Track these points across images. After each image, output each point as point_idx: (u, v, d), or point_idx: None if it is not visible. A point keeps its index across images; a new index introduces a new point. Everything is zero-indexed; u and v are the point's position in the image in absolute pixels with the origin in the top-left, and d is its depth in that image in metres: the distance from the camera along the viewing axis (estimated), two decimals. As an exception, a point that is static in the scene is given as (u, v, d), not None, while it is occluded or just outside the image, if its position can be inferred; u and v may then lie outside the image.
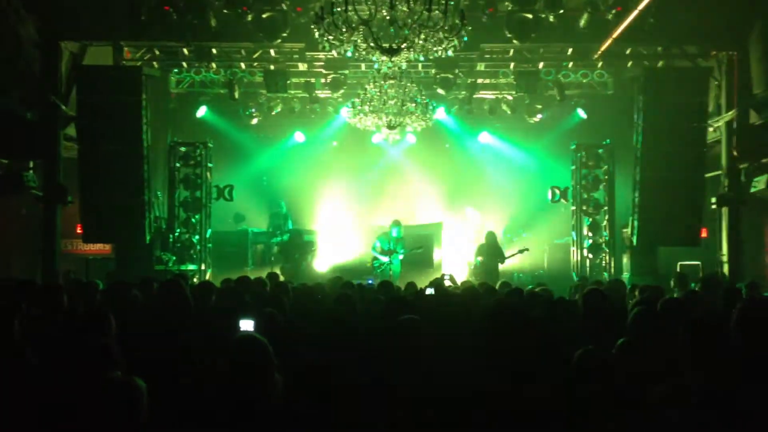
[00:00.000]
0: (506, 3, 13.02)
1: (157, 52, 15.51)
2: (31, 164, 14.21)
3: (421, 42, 8.91)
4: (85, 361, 4.15)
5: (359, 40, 8.94)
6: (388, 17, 8.71)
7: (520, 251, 16.27)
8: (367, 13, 8.82)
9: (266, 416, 3.94)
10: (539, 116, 18.51)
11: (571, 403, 4.14)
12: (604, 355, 4.60)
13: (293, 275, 16.07)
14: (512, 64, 15.78)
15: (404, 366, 4.47)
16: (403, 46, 8.88)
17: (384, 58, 9.33)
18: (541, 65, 15.73)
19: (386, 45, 9.07)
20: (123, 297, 6.88)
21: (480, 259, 15.33)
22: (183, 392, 4.28)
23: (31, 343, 5.07)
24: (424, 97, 13.13)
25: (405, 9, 8.52)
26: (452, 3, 8.74)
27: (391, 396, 4.22)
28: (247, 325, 5.76)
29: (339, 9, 8.65)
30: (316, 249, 17.04)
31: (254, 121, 18.85)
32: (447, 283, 10.76)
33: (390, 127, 12.80)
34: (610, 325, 5.93)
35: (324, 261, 18.23)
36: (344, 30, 8.72)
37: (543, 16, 13.04)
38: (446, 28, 8.69)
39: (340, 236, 19.54)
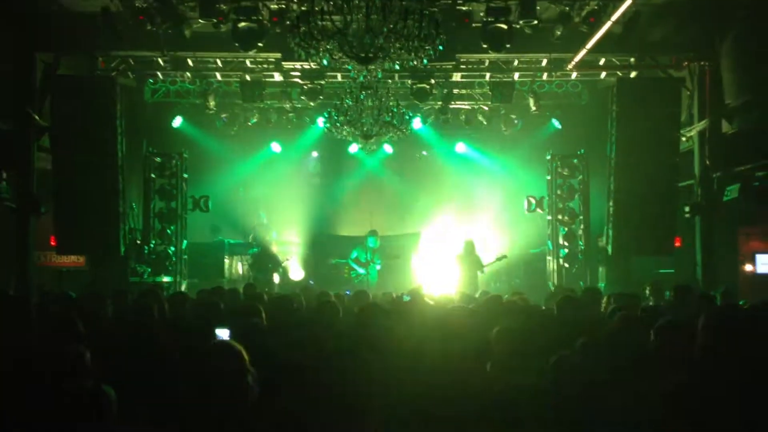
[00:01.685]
0: (481, 14, 13.08)
1: (132, 62, 15.40)
2: (4, 175, 14.04)
3: (396, 51, 8.93)
4: (55, 370, 4.11)
5: (334, 49, 8.95)
6: (363, 26, 8.73)
7: (499, 259, 16.29)
8: (343, 22, 8.83)
9: (240, 423, 3.91)
10: (515, 122, 18.57)
11: (547, 409, 4.15)
12: (577, 360, 4.62)
13: (267, 285, 16.01)
14: (488, 75, 15.85)
15: (379, 373, 4.45)
16: (378, 55, 8.90)
17: (360, 67, 9.34)
18: (516, 76, 15.81)
19: (362, 54, 9.08)
20: (95, 307, 6.81)
21: (459, 268, 15.22)
22: (157, 400, 4.24)
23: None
24: (400, 107, 13.16)
25: (380, 18, 8.54)
26: (427, 12, 8.76)
27: (366, 403, 4.20)
28: (223, 334, 5.74)
29: (314, 18, 8.65)
30: (289, 260, 16.97)
31: (231, 131, 18.75)
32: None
33: (366, 136, 12.79)
34: (584, 332, 5.96)
35: (299, 272, 18.16)
36: (320, 39, 8.73)
37: (518, 26, 13.11)
38: (421, 36, 8.72)
39: (317, 246, 19.49)
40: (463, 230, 18.81)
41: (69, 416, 3.51)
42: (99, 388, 3.63)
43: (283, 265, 17.09)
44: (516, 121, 18.56)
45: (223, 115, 18.14)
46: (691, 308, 7.90)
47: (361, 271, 17.68)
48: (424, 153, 20.72)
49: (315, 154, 20.75)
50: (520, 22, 13.03)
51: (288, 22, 12.00)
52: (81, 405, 3.55)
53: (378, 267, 17.62)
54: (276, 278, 17.38)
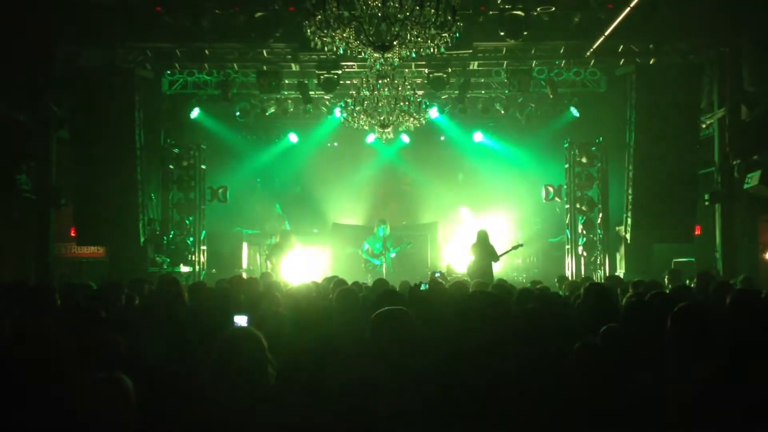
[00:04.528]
0: (498, 1, 13.00)
1: (150, 54, 15.44)
2: (24, 167, 14.16)
3: (412, 38, 8.91)
4: (76, 358, 4.14)
5: (351, 37, 8.94)
6: (379, 14, 8.71)
7: (515, 247, 16.12)
8: (359, 10, 8.82)
9: (259, 410, 3.93)
10: (533, 110, 18.47)
11: (569, 395, 4.13)
12: (602, 347, 4.60)
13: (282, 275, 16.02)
14: (505, 63, 15.77)
15: (393, 358, 4.45)
16: (394, 43, 8.88)
17: (376, 55, 9.32)
18: (533, 64, 15.73)
19: (378, 42, 9.06)
20: (115, 295, 6.87)
21: (473, 258, 15.03)
22: (178, 386, 4.27)
23: (23, 343, 5.05)
24: (417, 96, 13.13)
25: (396, 5, 8.52)
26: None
27: (382, 389, 4.21)
28: (241, 321, 5.78)
29: (330, 6, 8.64)
30: (294, 246, 16.89)
31: (248, 121, 18.79)
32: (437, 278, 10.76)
33: (383, 126, 12.78)
34: (609, 320, 5.93)
35: (316, 262, 18.18)
36: (336, 27, 8.72)
37: (535, 13, 13.04)
38: (438, 24, 8.69)
39: (334, 237, 19.54)
40: (481, 219, 18.79)
41: (84, 405, 3.51)
42: (115, 377, 3.62)
43: (300, 254, 17.06)
44: (534, 110, 18.48)
45: (241, 106, 18.12)
46: (710, 295, 7.85)
47: (375, 261, 17.69)
48: (442, 138, 20.50)
49: (336, 144, 20.76)
50: (538, 9, 12.96)
51: (304, 11, 11.96)
52: (96, 394, 3.54)
53: (393, 255, 17.64)
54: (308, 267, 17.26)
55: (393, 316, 4.47)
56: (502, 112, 18.23)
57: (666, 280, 10.74)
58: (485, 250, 14.68)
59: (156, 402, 3.98)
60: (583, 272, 16.42)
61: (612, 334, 4.79)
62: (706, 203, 14.76)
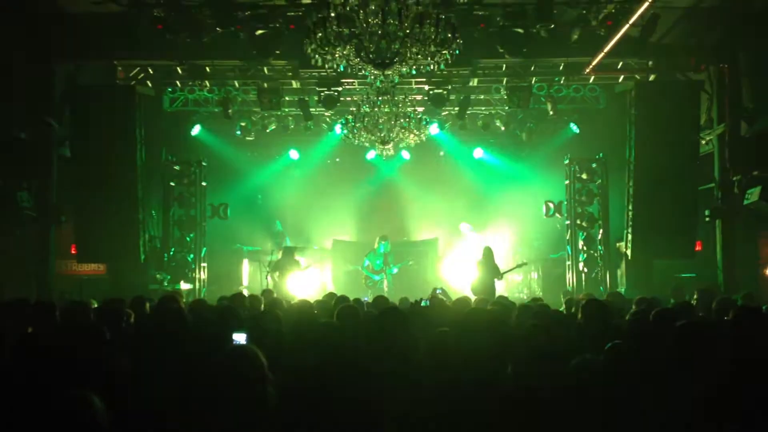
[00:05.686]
0: (497, 18, 13.05)
1: (151, 71, 15.50)
2: (25, 184, 14.17)
3: (412, 55, 8.93)
4: (69, 376, 4.11)
5: (351, 54, 8.96)
6: (379, 31, 8.74)
7: (519, 265, 16.09)
8: (359, 28, 8.85)
9: (258, 429, 3.91)
10: (533, 127, 18.50)
11: (568, 411, 4.12)
12: (600, 363, 4.58)
13: (286, 292, 15.97)
14: (505, 80, 15.81)
15: (396, 380, 4.44)
16: (395, 60, 8.91)
17: (376, 72, 9.35)
18: (533, 80, 15.77)
19: (378, 60, 9.09)
20: (116, 313, 6.85)
21: (478, 274, 14.96)
22: (176, 404, 4.25)
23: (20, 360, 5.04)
24: (417, 112, 13.15)
25: (396, 22, 8.55)
26: (443, 17, 8.76)
27: (386, 406, 4.19)
28: (239, 338, 5.76)
29: (330, 24, 8.67)
30: (308, 267, 16.82)
31: (249, 138, 18.81)
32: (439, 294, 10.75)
33: (383, 142, 12.80)
34: (609, 335, 5.91)
35: (316, 279, 18.13)
36: (336, 44, 8.74)
37: (535, 30, 13.08)
38: (438, 41, 8.72)
39: (334, 253, 19.51)
40: (482, 236, 18.78)
41: (49, 423, 3.40)
42: (83, 396, 3.51)
43: (303, 271, 17.03)
44: (534, 126, 18.50)
45: (242, 123, 18.13)
46: (710, 311, 7.84)
47: (376, 278, 17.67)
48: (441, 153, 20.53)
49: (337, 160, 20.75)
50: (537, 26, 12.99)
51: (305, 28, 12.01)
52: (62, 412, 3.43)
53: (395, 271, 17.63)
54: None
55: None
56: (502, 128, 18.23)
57: (671, 296, 10.73)
58: (489, 267, 14.69)
59: (154, 420, 3.97)
60: (584, 288, 16.34)
61: (616, 352, 4.77)
62: (707, 219, 14.75)
